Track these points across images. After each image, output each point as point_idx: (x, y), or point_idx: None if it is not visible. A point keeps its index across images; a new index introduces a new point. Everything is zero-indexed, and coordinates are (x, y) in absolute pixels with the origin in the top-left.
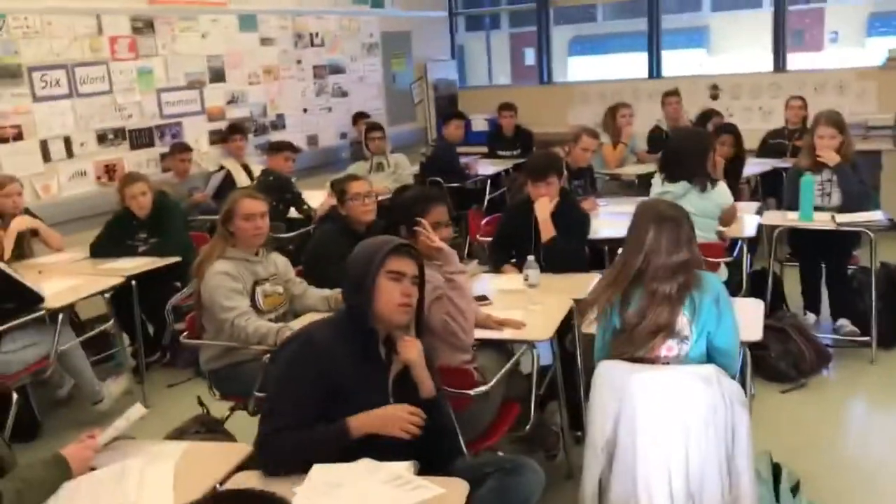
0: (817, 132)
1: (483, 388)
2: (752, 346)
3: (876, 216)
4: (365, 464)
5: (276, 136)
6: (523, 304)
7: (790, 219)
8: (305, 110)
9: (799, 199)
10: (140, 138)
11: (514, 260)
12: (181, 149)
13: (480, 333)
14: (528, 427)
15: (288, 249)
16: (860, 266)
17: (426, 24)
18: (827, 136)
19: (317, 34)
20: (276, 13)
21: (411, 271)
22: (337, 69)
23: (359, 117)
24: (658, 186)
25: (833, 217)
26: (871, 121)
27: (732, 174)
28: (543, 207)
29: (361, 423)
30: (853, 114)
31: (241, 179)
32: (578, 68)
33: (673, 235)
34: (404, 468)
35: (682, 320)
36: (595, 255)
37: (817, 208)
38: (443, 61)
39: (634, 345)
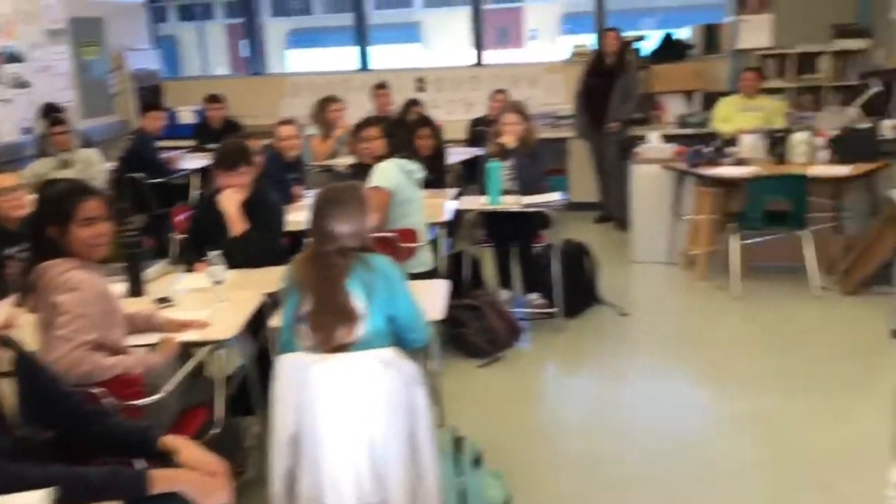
0: (502, 119)
1: (154, 398)
2: (452, 325)
3: (555, 197)
4: None
5: None
6: (212, 303)
7: (481, 202)
8: None
9: None
10: None
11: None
12: None
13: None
14: (211, 432)
15: None
16: (547, 244)
17: (120, 11)
18: (510, 123)
19: None
20: None
21: None
22: (14, 57)
23: (49, 110)
24: (398, 171)
25: (519, 200)
26: (560, 111)
27: (436, 167)
28: (228, 200)
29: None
30: (545, 104)
31: None
32: (297, 60)
33: (339, 212)
34: (37, 498)
35: (358, 303)
36: (296, 246)
37: (507, 192)
38: (143, 51)
39: (323, 329)
